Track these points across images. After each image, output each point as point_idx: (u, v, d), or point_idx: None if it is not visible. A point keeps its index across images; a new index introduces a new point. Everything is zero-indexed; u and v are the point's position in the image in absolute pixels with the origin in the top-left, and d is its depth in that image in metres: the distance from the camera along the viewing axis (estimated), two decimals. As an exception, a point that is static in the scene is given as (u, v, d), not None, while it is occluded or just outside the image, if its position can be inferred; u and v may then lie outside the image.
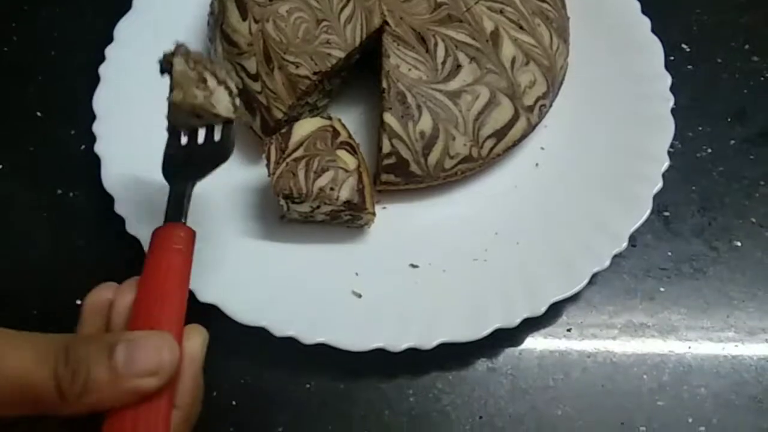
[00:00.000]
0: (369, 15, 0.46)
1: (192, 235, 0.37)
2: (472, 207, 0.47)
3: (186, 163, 0.40)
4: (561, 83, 0.49)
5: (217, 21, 0.48)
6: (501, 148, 0.46)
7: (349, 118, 0.49)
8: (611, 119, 0.48)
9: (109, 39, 0.51)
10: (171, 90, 0.39)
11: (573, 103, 0.49)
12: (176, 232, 0.36)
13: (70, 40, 0.57)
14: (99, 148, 0.47)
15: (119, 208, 0.45)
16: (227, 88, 0.39)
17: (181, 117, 0.40)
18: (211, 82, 0.39)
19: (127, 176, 0.46)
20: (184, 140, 0.41)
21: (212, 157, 0.40)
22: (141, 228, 0.44)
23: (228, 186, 0.48)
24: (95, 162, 0.47)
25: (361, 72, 0.50)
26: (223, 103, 0.39)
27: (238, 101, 0.39)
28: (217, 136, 0.40)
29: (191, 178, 0.40)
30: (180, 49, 0.39)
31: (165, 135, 0.49)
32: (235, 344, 0.44)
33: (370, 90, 0.51)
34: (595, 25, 0.51)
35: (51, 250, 0.48)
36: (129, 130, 0.48)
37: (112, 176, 0.46)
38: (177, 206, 0.38)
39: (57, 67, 0.55)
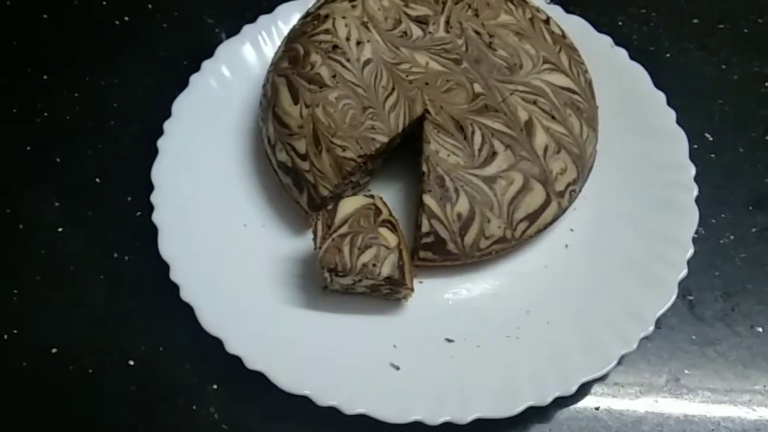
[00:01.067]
0: (412, 104, 0.49)
1: None
2: (505, 285, 0.50)
3: None
4: (590, 169, 0.52)
5: (269, 103, 0.52)
6: (533, 230, 0.49)
7: (388, 195, 0.53)
8: (637, 205, 0.51)
9: (165, 111, 0.55)
10: None
11: (601, 188, 0.52)
12: None
13: (129, 110, 0.60)
14: (156, 217, 0.50)
15: (174, 275, 0.48)
16: None
17: None
18: None
19: (183, 245, 0.49)
20: None
21: None
22: (195, 296, 0.47)
23: (274, 256, 0.51)
24: (151, 229, 0.50)
25: (400, 152, 0.53)
26: None
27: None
28: None
29: None
30: None
31: (221, 206, 0.53)
32: (275, 409, 0.47)
33: (407, 169, 0.54)
34: (623, 114, 0.54)
35: (106, 311, 0.51)
36: (185, 201, 0.51)
37: (168, 245, 0.49)
38: None
39: (115, 136, 0.59)
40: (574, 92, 0.51)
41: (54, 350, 0.49)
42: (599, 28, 0.58)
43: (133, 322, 0.50)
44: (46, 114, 0.60)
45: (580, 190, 0.51)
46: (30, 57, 0.64)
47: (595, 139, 0.52)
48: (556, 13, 0.58)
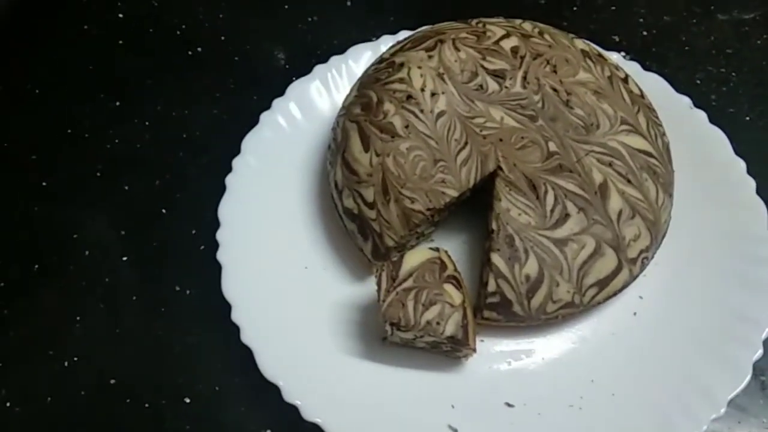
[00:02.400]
0: (484, 159, 0.49)
1: None
2: (569, 350, 0.48)
3: None
4: (664, 236, 0.50)
5: (339, 148, 0.52)
6: (602, 297, 0.47)
7: (451, 246, 0.52)
8: (711, 277, 0.49)
9: (233, 146, 0.56)
10: None
11: (673, 256, 0.51)
12: None
13: (197, 142, 0.61)
14: (221, 255, 0.50)
15: (236, 316, 0.48)
16: None
17: None
18: None
19: (247, 286, 0.49)
20: None
21: None
22: (256, 340, 0.47)
23: (334, 301, 0.50)
24: (214, 265, 0.50)
25: (467, 203, 0.52)
26: None
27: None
28: None
29: None
30: None
31: (284, 247, 0.53)
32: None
33: (473, 222, 0.53)
34: (700, 181, 0.53)
35: (165, 345, 0.51)
36: (250, 240, 0.51)
37: (232, 284, 0.49)
38: None
39: (183, 168, 0.60)
40: (651, 156, 0.50)
41: (112, 381, 0.50)
42: (677, 86, 0.57)
43: (191, 359, 0.51)
44: (117, 141, 0.61)
45: (652, 257, 0.49)
46: (104, 83, 0.65)
47: (671, 205, 0.50)
48: (633, 69, 0.57)
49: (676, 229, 0.51)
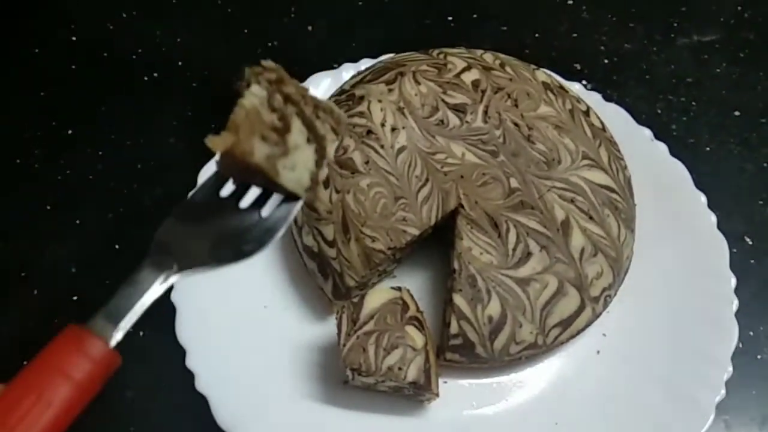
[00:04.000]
0: (446, 196, 0.48)
1: (109, 359, 0.22)
2: (533, 392, 0.48)
3: (194, 234, 0.25)
4: (626, 273, 0.50)
5: (298, 183, 0.50)
6: (565, 337, 0.47)
7: (414, 282, 0.51)
8: (673, 314, 0.49)
9: (190, 176, 0.53)
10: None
11: (635, 292, 0.50)
12: (86, 345, 0.21)
13: (153, 173, 0.59)
14: (176, 296, 0.48)
15: (191, 363, 0.46)
16: (319, 149, 0.27)
17: (230, 167, 0.27)
18: (297, 135, 0.26)
19: (203, 330, 0.47)
20: (225, 191, 0.29)
21: (240, 239, 0.26)
22: (211, 387, 0.45)
23: (294, 343, 0.49)
24: (168, 305, 0.48)
25: (429, 239, 0.52)
26: (297, 171, 0.26)
27: (322, 172, 0.27)
28: (266, 211, 0.29)
29: (182, 261, 0.24)
30: (269, 72, 0.26)
31: (241, 286, 0.51)
32: None
33: (435, 257, 0.52)
34: (661, 215, 0.52)
35: (117, 390, 0.49)
36: (206, 279, 0.49)
37: (186, 329, 0.47)
38: (123, 302, 0.22)
39: (137, 201, 0.58)
40: (612, 191, 0.49)
41: (62, 430, 0.48)
42: (638, 116, 0.57)
43: (144, 405, 0.49)
44: (68, 171, 0.59)
45: (614, 295, 0.49)
46: (55, 110, 0.63)
47: (632, 241, 0.50)
48: (595, 99, 0.57)
49: (638, 264, 0.51)
